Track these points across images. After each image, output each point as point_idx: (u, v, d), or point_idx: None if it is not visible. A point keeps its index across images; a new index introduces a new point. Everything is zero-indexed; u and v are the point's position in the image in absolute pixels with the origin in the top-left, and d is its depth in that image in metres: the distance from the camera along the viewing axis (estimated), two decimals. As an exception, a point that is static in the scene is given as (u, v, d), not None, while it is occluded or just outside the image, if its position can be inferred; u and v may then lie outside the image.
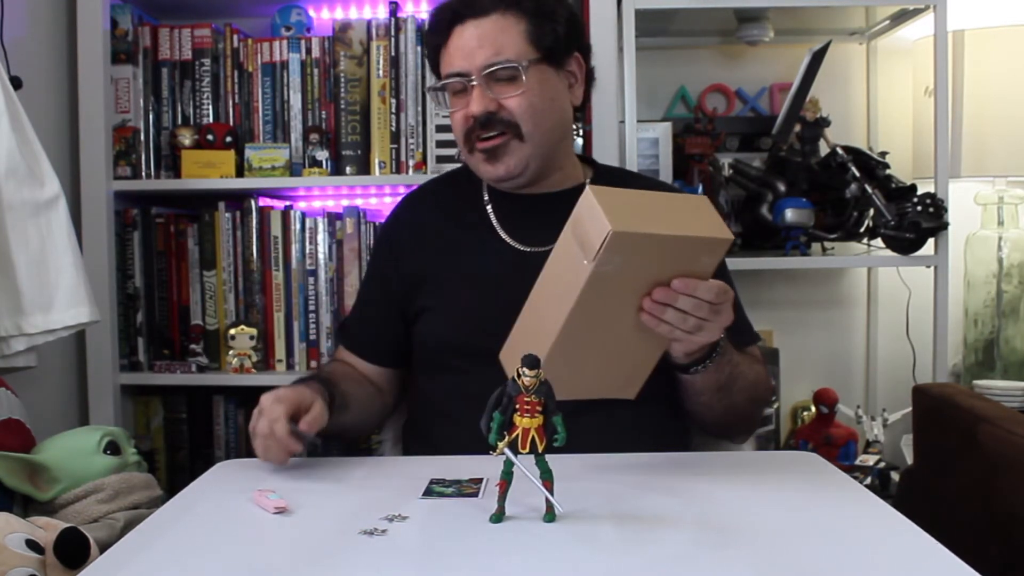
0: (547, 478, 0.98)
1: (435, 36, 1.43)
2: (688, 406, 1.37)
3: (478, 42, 1.37)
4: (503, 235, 1.45)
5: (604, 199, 1.08)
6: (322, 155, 2.07)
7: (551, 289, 1.17)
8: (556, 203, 1.46)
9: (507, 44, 1.37)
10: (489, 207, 1.48)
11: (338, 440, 1.71)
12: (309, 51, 2.12)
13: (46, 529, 1.21)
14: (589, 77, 1.48)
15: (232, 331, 2.06)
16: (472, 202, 1.50)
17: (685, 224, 1.11)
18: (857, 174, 2.13)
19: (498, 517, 0.99)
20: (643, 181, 1.61)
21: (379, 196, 2.28)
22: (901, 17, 2.24)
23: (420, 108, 2.09)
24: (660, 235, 1.08)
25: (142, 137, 2.10)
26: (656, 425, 1.36)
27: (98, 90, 2.01)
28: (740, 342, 1.42)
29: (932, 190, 2.06)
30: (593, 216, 1.07)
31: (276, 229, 2.11)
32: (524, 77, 1.36)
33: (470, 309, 1.41)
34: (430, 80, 2.04)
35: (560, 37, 1.41)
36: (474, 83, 1.37)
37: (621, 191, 1.14)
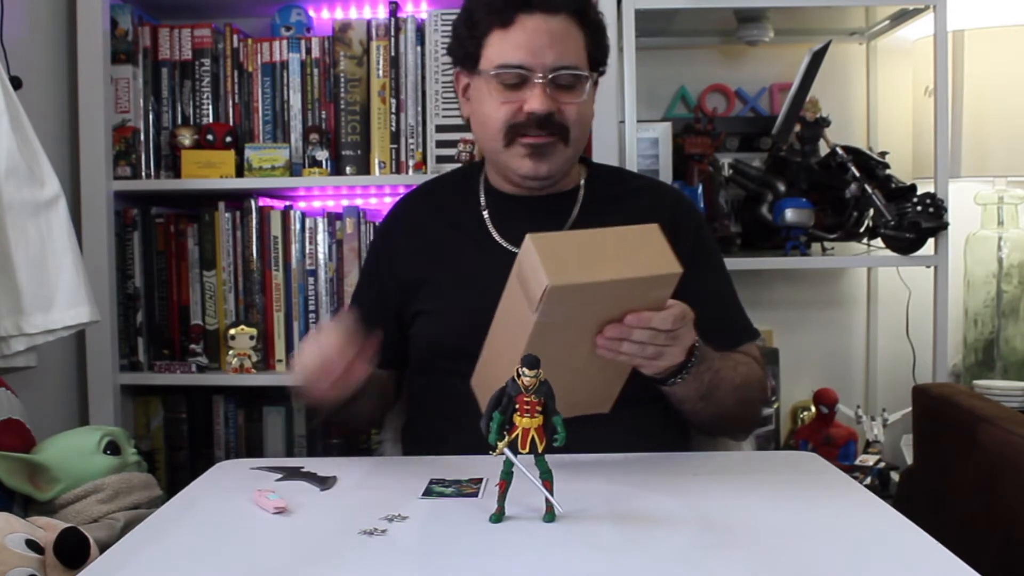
0: (547, 478, 0.98)
1: (493, 15, 1.37)
2: (677, 411, 1.37)
3: (549, 39, 1.34)
4: (498, 238, 1.44)
5: (545, 249, 1.07)
6: (322, 155, 2.07)
7: (506, 327, 1.18)
8: (552, 204, 1.47)
9: (574, 50, 1.37)
10: (485, 212, 1.48)
11: (341, 429, 1.67)
12: (309, 51, 2.12)
13: (46, 529, 1.21)
14: None
15: (232, 331, 2.05)
16: (468, 205, 1.49)
17: (630, 264, 1.09)
18: (857, 174, 2.13)
19: (498, 517, 0.99)
20: (640, 181, 1.61)
21: (379, 196, 2.28)
22: (901, 17, 2.24)
23: (420, 108, 2.09)
24: (602, 282, 1.07)
25: (142, 137, 2.10)
26: (656, 425, 1.36)
27: (98, 90, 2.01)
28: (735, 340, 1.42)
29: (932, 190, 2.06)
30: (533, 268, 1.06)
31: (276, 229, 2.11)
32: (585, 86, 1.38)
33: (466, 312, 1.40)
34: (431, 80, 2.07)
35: (606, 56, 1.44)
36: (539, 80, 1.35)
37: (566, 236, 1.12)
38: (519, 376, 0.96)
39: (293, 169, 2.09)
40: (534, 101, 1.34)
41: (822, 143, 2.20)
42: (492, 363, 1.23)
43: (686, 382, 1.27)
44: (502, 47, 1.36)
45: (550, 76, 1.35)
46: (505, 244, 1.43)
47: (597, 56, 1.41)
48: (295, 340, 2.11)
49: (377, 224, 2.09)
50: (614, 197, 1.50)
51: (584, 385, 1.19)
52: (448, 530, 0.99)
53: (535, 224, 1.41)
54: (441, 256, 1.46)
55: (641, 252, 1.11)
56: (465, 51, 1.42)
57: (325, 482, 1.16)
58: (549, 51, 1.34)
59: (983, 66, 2.21)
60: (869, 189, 2.11)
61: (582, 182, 1.50)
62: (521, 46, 1.35)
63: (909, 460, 2.07)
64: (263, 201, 2.15)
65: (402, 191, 2.10)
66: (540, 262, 1.05)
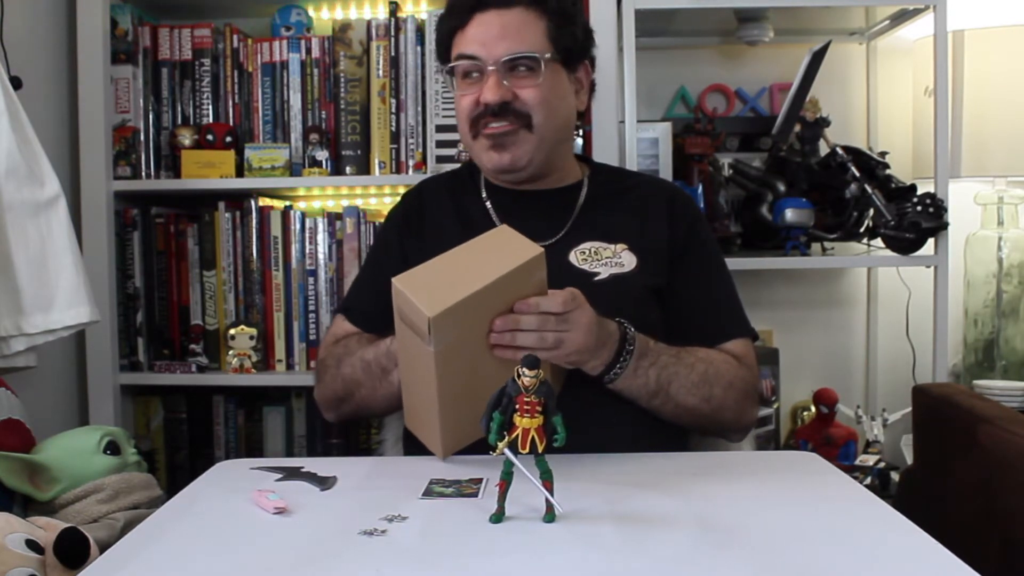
0: (547, 478, 0.98)
1: (453, 19, 1.42)
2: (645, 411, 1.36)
3: (500, 32, 1.37)
4: None
5: (413, 286, 1.10)
6: (322, 155, 2.07)
7: (414, 367, 1.20)
8: (553, 199, 1.47)
9: (528, 37, 1.38)
10: (488, 203, 1.49)
11: (363, 416, 1.64)
12: (309, 51, 2.12)
13: (46, 529, 1.21)
14: (591, 87, 1.51)
15: (232, 331, 2.06)
16: (473, 198, 1.51)
17: (496, 264, 1.12)
18: (857, 174, 2.13)
19: (498, 517, 0.99)
20: (639, 178, 1.62)
21: (379, 196, 2.28)
22: (901, 17, 2.24)
23: (420, 108, 2.09)
24: (477, 291, 1.10)
25: (142, 137, 2.10)
26: (655, 425, 1.36)
27: (98, 90, 2.02)
28: (722, 334, 1.42)
29: (932, 190, 2.06)
30: (411, 307, 1.09)
31: (276, 229, 2.11)
32: (542, 70, 1.38)
33: None
34: (431, 80, 2.07)
35: (577, 41, 1.43)
36: (491, 69, 1.37)
37: (428, 266, 1.15)
38: (519, 376, 0.96)
39: (293, 169, 2.09)
40: (486, 91, 1.38)
41: (822, 143, 2.20)
42: (416, 404, 1.26)
43: (627, 377, 1.27)
44: (460, 45, 1.41)
45: (502, 61, 1.37)
46: None
47: (564, 42, 1.41)
48: (295, 340, 2.11)
49: (379, 223, 2.09)
50: (615, 192, 1.50)
51: None
52: (448, 530, 0.99)
53: (537, 218, 1.43)
54: (448, 244, 1.45)
55: (501, 251, 1.15)
56: (441, 58, 1.48)
57: (325, 482, 1.16)
58: (500, 42, 1.37)
59: (983, 66, 2.21)
60: (869, 189, 2.11)
61: (585, 179, 1.51)
62: (474, 40, 1.39)
63: (909, 460, 2.07)
64: (263, 201, 2.15)
65: (402, 191, 2.10)
66: (414, 300, 1.08)
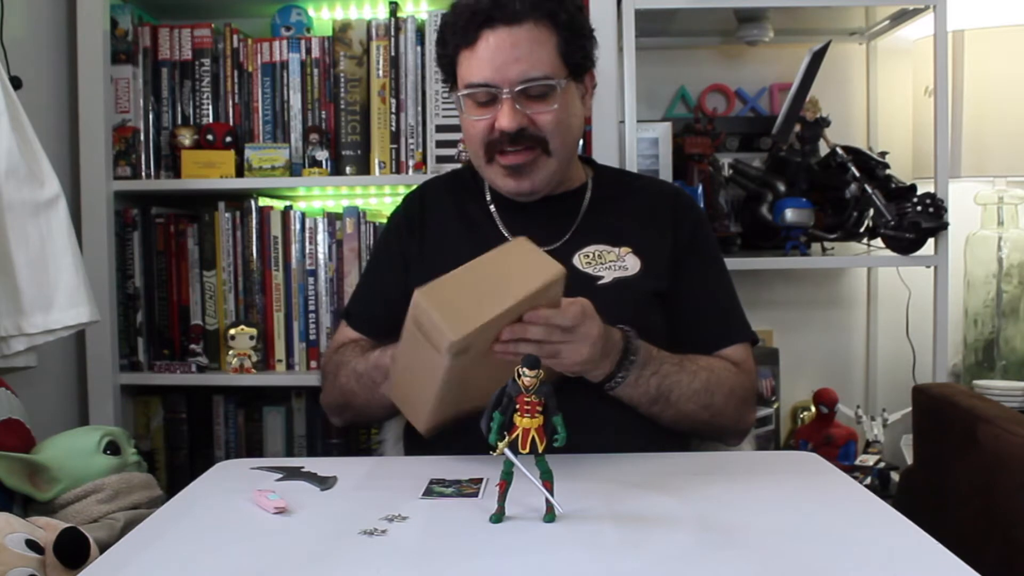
0: (547, 478, 0.98)
1: (458, 36, 1.36)
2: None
3: (512, 53, 1.32)
4: (507, 234, 1.45)
5: (437, 302, 1.09)
6: (322, 155, 2.07)
7: (416, 360, 1.18)
8: (558, 203, 1.47)
9: (542, 59, 1.33)
10: (492, 207, 1.49)
11: (358, 421, 1.65)
12: (309, 51, 2.12)
13: (46, 529, 1.21)
14: (593, 88, 1.49)
15: (232, 331, 2.06)
16: (476, 201, 1.50)
17: (517, 284, 1.11)
18: (857, 174, 2.13)
19: (498, 517, 0.99)
20: (642, 180, 1.61)
21: (379, 196, 2.28)
22: (901, 17, 2.24)
23: (420, 108, 2.09)
24: (500, 313, 1.09)
25: (142, 137, 2.10)
26: (655, 425, 1.36)
27: (98, 90, 2.02)
28: (724, 339, 1.42)
29: (932, 190, 2.06)
30: (432, 323, 1.08)
31: (276, 229, 2.11)
32: (558, 94, 1.35)
33: None
34: (431, 80, 2.07)
35: (587, 53, 1.40)
36: (506, 96, 1.33)
37: (451, 279, 1.13)
38: (519, 376, 0.96)
39: (293, 169, 2.09)
40: (502, 119, 1.33)
41: (822, 143, 2.20)
42: (407, 383, 1.24)
43: (628, 385, 1.27)
44: (469, 66, 1.35)
45: (517, 90, 1.32)
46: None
47: (574, 58, 1.37)
48: (295, 340, 2.11)
49: (379, 224, 2.09)
50: (618, 196, 1.50)
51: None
52: (448, 530, 0.99)
53: (542, 222, 1.42)
54: (451, 248, 1.44)
55: (522, 268, 1.14)
56: (444, 70, 1.43)
57: (325, 482, 1.16)
58: (514, 65, 1.32)
59: (983, 66, 2.21)
60: (869, 189, 2.11)
61: (589, 182, 1.51)
62: (485, 63, 1.33)
63: (909, 460, 2.07)
64: (263, 201, 2.15)
65: (402, 191, 2.10)
66: (437, 318, 1.07)
